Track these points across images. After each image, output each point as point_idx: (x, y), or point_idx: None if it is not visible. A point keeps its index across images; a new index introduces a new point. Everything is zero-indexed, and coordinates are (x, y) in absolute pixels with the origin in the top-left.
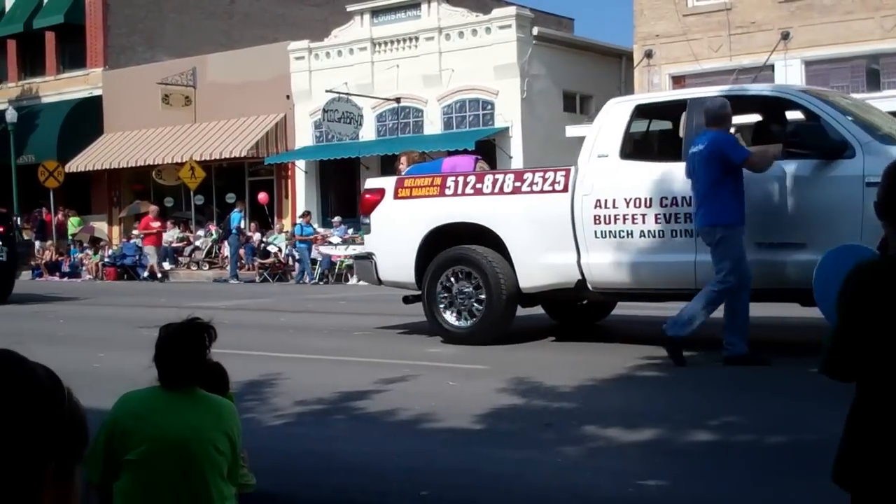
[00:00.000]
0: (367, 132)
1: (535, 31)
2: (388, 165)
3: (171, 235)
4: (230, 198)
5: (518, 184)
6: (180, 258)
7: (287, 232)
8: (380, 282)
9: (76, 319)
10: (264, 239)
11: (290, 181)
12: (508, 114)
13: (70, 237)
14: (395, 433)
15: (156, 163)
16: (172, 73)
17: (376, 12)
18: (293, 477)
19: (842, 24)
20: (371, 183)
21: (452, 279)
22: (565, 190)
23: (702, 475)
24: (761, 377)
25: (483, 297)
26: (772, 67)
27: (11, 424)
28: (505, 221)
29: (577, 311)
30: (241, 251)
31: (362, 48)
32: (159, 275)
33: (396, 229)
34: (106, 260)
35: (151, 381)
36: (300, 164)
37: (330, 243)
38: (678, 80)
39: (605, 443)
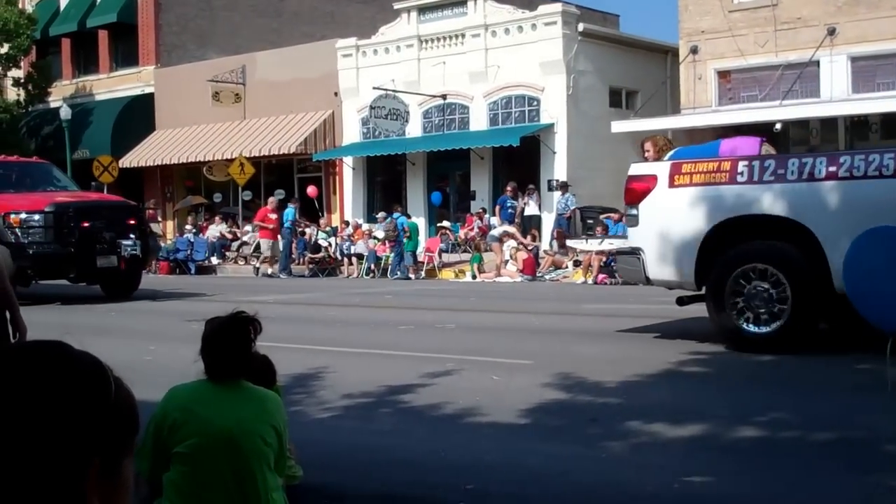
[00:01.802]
0: (414, 129)
1: (581, 27)
2: (434, 162)
3: (218, 230)
4: (279, 194)
5: (833, 168)
6: (228, 253)
7: (332, 228)
8: (648, 280)
9: (126, 312)
10: (321, 233)
11: (337, 177)
12: (554, 110)
13: None
14: (441, 427)
15: (206, 159)
16: (222, 70)
17: (423, 9)
18: (340, 470)
19: (889, 20)
20: (639, 169)
21: (744, 279)
22: None
23: (747, 471)
24: (807, 373)
25: (786, 299)
26: (817, 63)
27: (52, 419)
28: (817, 213)
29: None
30: (293, 245)
31: (409, 45)
32: (270, 270)
33: (672, 221)
34: (159, 254)
35: (199, 375)
36: (347, 161)
37: (583, 239)
38: (724, 76)
39: (650, 438)
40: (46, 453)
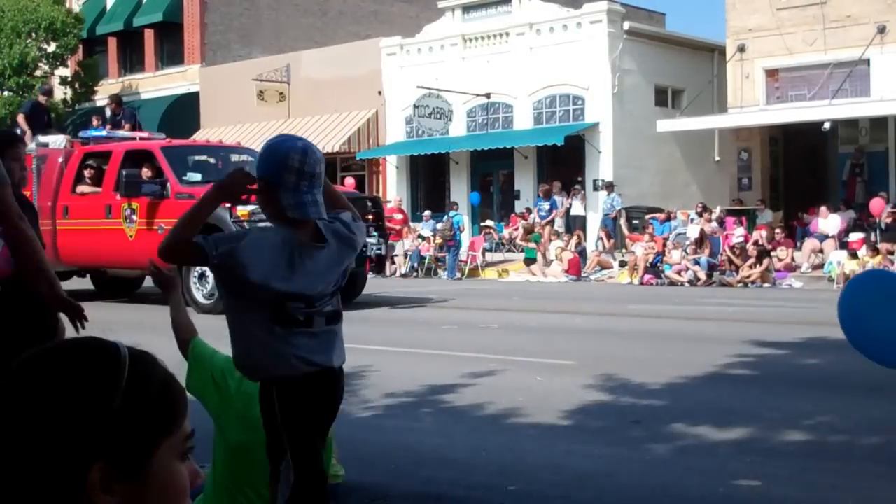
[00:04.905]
0: (457, 127)
1: (627, 25)
2: (477, 160)
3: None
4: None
5: None
6: None
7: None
8: None
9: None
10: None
11: (381, 176)
12: (599, 109)
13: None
14: (483, 427)
15: None
16: (267, 69)
17: (467, 8)
18: (382, 468)
19: None
20: None
21: None
22: None
23: (794, 476)
24: (855, 377)
25: None
26: (868, 62)
27: (31, 424)
28: None
29: None
30: None
31: (453, 44)
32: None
33: None
34: None
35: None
36: (391, 160)
37: None
38: (772, 74)
39: (695, 441)
40: (27, 457)
